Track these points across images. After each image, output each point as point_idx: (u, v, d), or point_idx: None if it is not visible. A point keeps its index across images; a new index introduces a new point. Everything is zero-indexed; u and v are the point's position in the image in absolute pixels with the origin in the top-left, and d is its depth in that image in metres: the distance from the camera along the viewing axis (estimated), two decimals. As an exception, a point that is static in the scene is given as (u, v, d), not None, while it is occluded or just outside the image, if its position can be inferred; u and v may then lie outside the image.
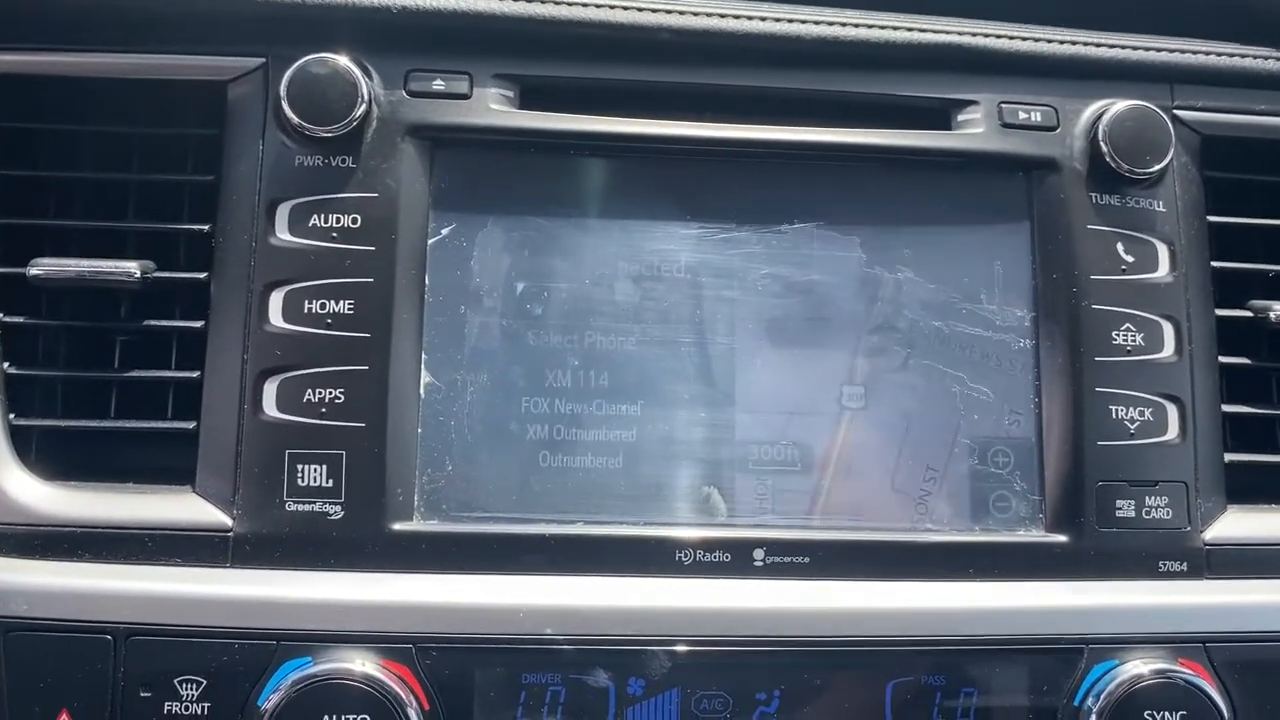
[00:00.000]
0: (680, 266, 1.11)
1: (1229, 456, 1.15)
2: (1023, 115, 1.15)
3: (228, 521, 1.02)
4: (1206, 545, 1.11)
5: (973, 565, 1.08)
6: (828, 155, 1.13)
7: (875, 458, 1.10)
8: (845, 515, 1.09)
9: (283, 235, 1.05)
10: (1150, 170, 1.13)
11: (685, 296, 1.10)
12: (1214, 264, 1.18)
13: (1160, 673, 1.03)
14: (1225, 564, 1.11)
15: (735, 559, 1.05)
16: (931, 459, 1.10)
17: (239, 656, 0.97)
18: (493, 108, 1.09)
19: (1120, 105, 1.13)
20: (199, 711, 0.96)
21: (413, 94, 1.08)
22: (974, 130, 1.15)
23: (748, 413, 1.09)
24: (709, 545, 1.05)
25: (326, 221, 1.05)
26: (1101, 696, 1.03)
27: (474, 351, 1.07)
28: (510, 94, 1.10)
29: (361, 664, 0.97)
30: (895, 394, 1.11)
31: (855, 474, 1.10)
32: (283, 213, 1.05)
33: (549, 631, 1.00)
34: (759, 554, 1.06)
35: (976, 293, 1.13)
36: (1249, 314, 1.19)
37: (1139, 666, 1.04)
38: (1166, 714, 1.02)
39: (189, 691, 0.96)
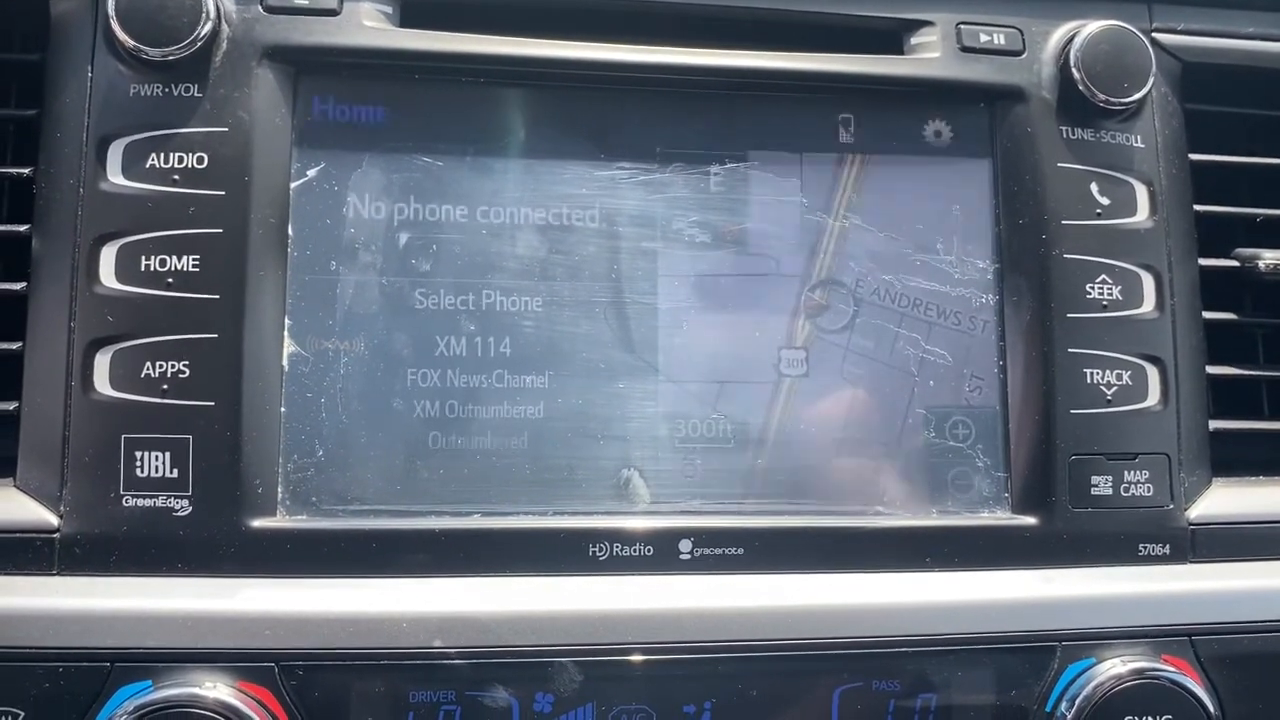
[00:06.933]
0: (594, 213, 1.02)
1: (1214, 424, 1.08)
2: (984, 38, 1.07)
3: (53, 520, 0.92)
4: (1190, 525, 1.04)
5: (930, 554, 1.01)
6: (763, 84, 1.05)
7: (818, 432, 1.02)
8: (784, 499, 1.01)
9: (115, 179, 0.95)
10: (1128, 100, 1.06)
11: (600, 249, 1.02)
12: (1197, 207, 1.10)
13: (1141, 672, 0.97)
14: (1211, 546, 1.04)
15: (658, 552, 0.97)
16: (882, 433, 1.03)
17: (65, 682, 0.88)
18: (367, 25, 1.00)
19: (1094, 26, 1.06)
20: (14, 750, 0.87)
21: (271, 9, 0.99)
22: (929, 55, 1.07)
23: (672, 382, 1.01)
24: (628, 537, 0.97)
25: (167, 161, 0.95)
26: (1077, 700, 0.97)
27: (348, 315, 0.98)
28: (388, 9, 1.01)
29: (214, 687, 0.88)
30: (840, 359, 1.03)
31: (795, 451, 1.02)
32: (115, 152, 0.95)
33: (438, 644, 0.92)
34: (686, 545, 0.98)
35: (932, 242, 1.06)
36: (1235, 263, 1.11)
37: (1118, 665, 0.98)
38: (1150, 718, 0.96)
39: (3, 726, 0.87)
